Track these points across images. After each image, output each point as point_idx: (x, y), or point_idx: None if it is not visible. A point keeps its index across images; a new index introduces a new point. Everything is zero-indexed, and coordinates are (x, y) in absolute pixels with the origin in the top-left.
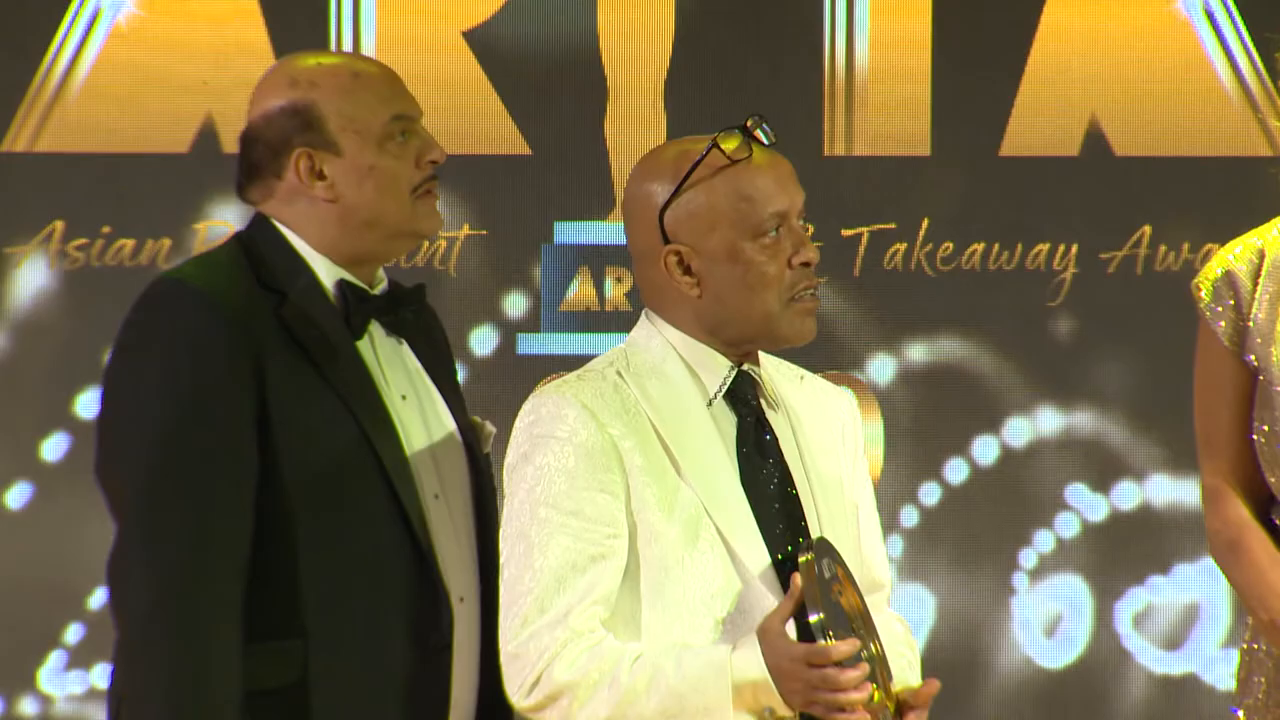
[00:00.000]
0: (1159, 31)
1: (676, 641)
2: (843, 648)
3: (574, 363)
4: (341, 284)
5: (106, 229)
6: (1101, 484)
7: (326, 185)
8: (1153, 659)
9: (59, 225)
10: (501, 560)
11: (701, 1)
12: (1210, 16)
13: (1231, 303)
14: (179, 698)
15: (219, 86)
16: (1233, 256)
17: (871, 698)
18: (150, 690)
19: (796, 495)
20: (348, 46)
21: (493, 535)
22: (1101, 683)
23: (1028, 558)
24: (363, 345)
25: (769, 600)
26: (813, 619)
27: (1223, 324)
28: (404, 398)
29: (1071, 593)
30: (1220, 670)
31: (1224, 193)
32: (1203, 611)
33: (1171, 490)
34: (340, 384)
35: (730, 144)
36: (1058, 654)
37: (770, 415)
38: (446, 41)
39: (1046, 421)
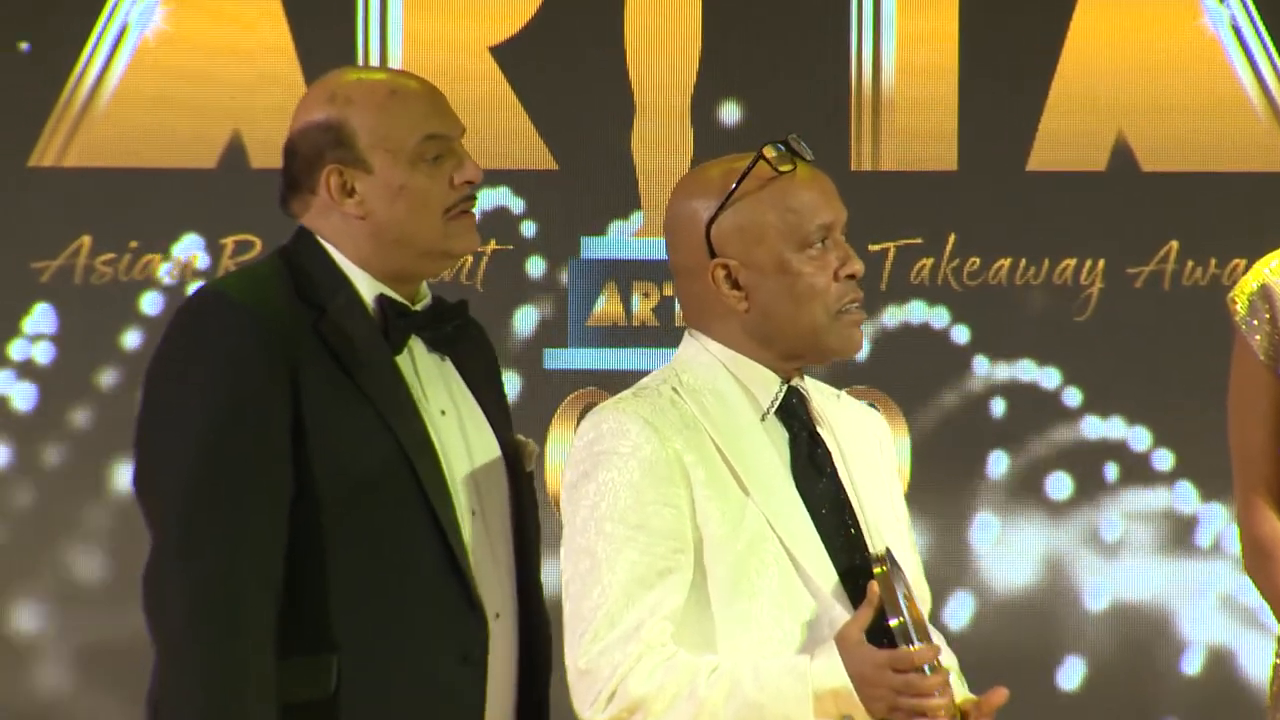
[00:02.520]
0: (1186, 47)
1: (755, 654)
2: (925, 652)
3: (601, 378)
4: (381, 299)
5: (134, 244)
6: (1129, 498)
7: (356, 202)
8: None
9: (86, 240)
10: (564, 578)
11: (728, 18)
12: (1237, 32)
13: (1267, 316)
14: (212, 708)
15: (246, 102)
16: (1268, 270)
17: (951, 704)
18: (183, 700)
19: (852, 509)
20: (375, 62)
21: (530, 553)
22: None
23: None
24: (402, 360)
25: (836, 612)
26: (893, 622)
27: (1258, 338)
28: (443, 413)
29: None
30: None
31: (1251, 208)
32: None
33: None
34: (377, 398)
35: (774, 157)
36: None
37: (819, 430)
38: (473, 57)
39: (1074, 436)
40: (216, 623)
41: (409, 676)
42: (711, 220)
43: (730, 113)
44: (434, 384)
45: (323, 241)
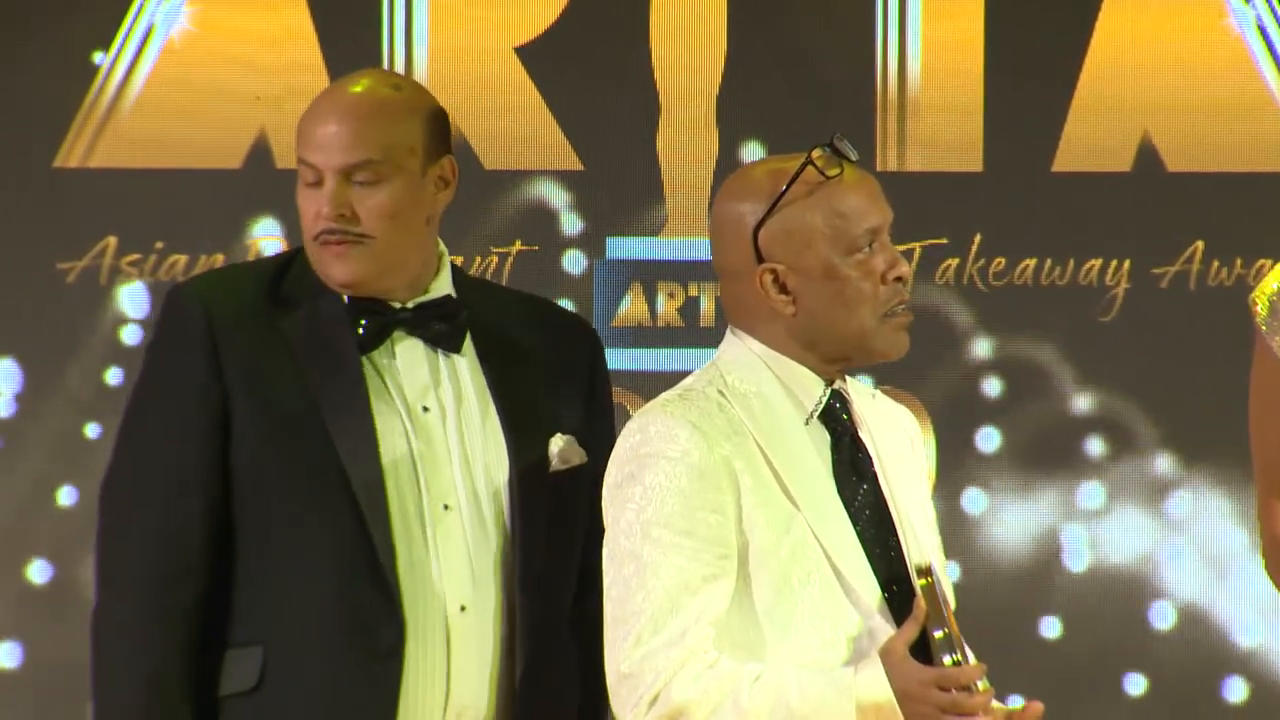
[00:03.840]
0: (1212, 47)
1: (795, 663)
2: (972, 670)
3: (625, 379)
4: (352, 298)
5: (159, 245)
6: (1160, 503)
7: None
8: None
9: (112, 241)
10: (605, 580)
11: (753, 18)
12: (1263, 32)
13: None
14: (129, 698)
15: (272, 102)
16: None
17: None
18: (104, 688)
19: (891, 516)
20: (400, 62)
21: (538, 550)
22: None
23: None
24: (377, 356)
25: (876, 621)
26: (938, 634)
27: (1279, 339)
28: (426, 410)
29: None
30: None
31: (1277, 208)
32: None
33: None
34: (321, 392)
35: (821, 161)
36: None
37: (860, 434)
38: (499, 56)
39: (1096, 437)
40: (129, 618)
41: (321, 670)
42: (759, 225)
43: (755, 114)
44: (419, 382)
45: None
